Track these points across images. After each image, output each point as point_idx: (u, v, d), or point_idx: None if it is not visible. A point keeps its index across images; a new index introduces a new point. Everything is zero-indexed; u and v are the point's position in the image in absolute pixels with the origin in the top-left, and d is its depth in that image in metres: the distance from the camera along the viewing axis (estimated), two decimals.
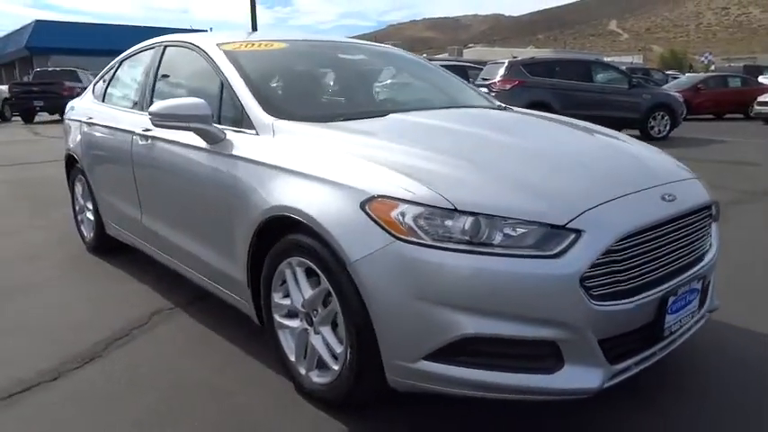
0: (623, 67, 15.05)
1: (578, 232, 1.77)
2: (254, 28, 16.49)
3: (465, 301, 1.74)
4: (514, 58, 12.28)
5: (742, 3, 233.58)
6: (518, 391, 1.80)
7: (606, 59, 28.75)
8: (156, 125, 2.64)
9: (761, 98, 16.98)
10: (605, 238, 1.79)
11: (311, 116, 2.52)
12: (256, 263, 2.36)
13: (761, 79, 22.54)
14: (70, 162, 4.35)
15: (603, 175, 2.09)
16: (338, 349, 2.05)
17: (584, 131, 2.79)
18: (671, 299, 1.98)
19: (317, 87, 3.10)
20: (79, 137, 4.06)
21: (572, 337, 1.77)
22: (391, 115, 2.63)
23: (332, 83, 3.19)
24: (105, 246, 4.17)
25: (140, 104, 3.36)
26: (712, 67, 48.33)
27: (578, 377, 1.79)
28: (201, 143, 2.62)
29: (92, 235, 4.25)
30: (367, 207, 1.88)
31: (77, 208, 4.45)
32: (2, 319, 3.15)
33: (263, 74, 2.80)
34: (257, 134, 2.43)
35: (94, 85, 4.32)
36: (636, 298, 1.86)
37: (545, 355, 1.79)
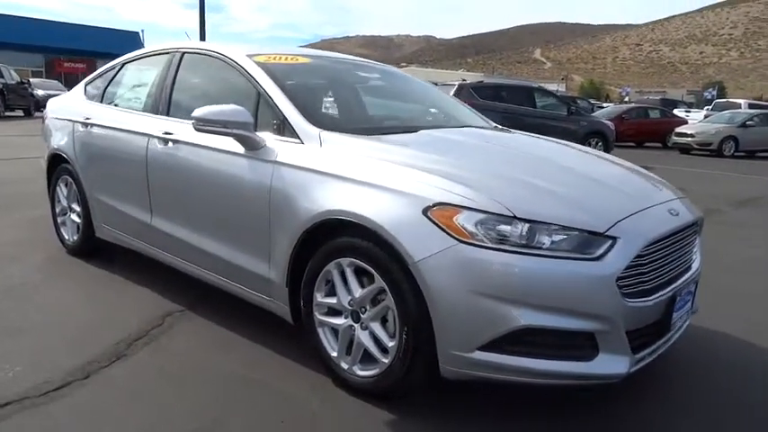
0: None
1: (614, 239, 2.06)
2: (203, 35, 16.29)
3: (519, 297, 1.98)
4: (464, 81, 12.82)
5: (653, 40, 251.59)
6: (560, 376, 2.05)
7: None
8: (199, 129, 2.73)
9: (678, 129, 18.50)
10: (637, 244, 2.09)
11: (352, 128, 2.70)
12: (296, 264, 2.51)
13: (676, 112, 24.49)
14: (54, 162, 4.27)
15: (626, 190, 2.41)
16: (390, 343, 2.23)
17: (586, 152, 3.13)
18: (678, 298, 2.30)
19: (349, 102, 3.27)
20: (71, 136, 4.01)
21: (607, 329, 2.04)
22: (422, 131, 2.86)
23: (361, 99, 3.37)
24: (89, 249, 4.12)
25: (155, 108, 3.39)
26: (626, 98, 52.03)
27: (610, 364, 2.07)
28: (237, 149, 2.73)
29: (75, 237, 4.19)
30: (429, 213, 2.09)
31: (59, 209, 4.36)
32: (5, 320, 3.09)
33: (298, 86, 2.94)
34: (302, 143, 2.58)
35: (86, 85, 4.28)
36: (654, 296, 2.17)
37: (584, 345, 2.05)
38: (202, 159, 2.93)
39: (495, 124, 3.72)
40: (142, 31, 49.01)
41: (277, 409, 2.30)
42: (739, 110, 20.72)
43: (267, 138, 2.68)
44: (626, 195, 2.38)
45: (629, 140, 19.99)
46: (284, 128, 2.67)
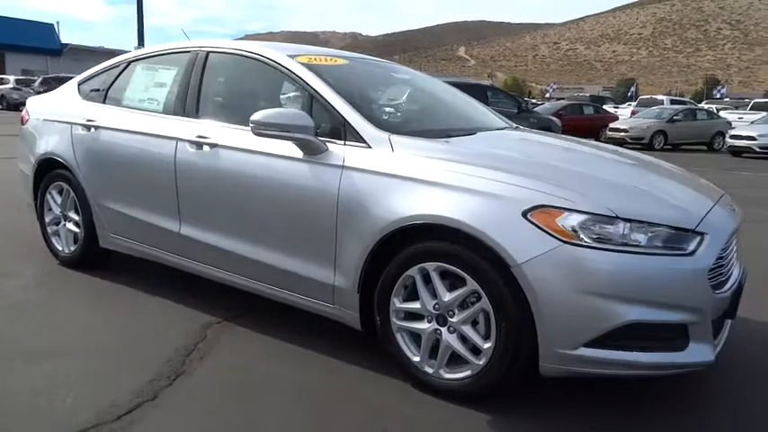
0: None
1: (703, 234, 2.16)
2: (141, 31, 15.56)
3: (623, 293, 2.04)
4: None
5: (570, 39, 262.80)
6: (657, 367, 2.14)
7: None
8: (258, 133, 2.62)
9: (612, 125, 19.47)
10: (721, 238, 2.20)
11: (416, 131, 2.68)
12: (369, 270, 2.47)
13: (606, 107, 25.75)
14: (46, 167, 3.97)
15: (692, 187, 2.53)
16: (485, 345, 2.24)
17: (617, 151, 3.25)
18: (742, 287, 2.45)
19: (400, 104, 3.22)
20: (68, 140, 3.75)
21: (697, 320, 2.14)
22: (479, 133, 2.87)
23: (408, 100, 3.33)
24: (88, 260, 3.87)
25: (180, 110, 3.22)
26: (547, 95, 54.24)
27: (699, 353, 2.17)
28: (295, 153, 2.65)
29: (72, 248, 3.92)
30: (529, 215, 2.11)
31: (49, 219, 4.06)
32: (25, 344, 2.85)
33: (351, 88, 2.87)
34: (369, 147, 2.53)
35: (80, 84, 4.00)
36: (729, 287, 2.30)
37: (677, 336, 2.14)
38: (252, 164, 2.81)
39: (516, 125, 3.79)
40: (57, 23, 46.19)
41: (372, 417, 2.25)
42: (663, 106, 22.03)
43: (327, 142, 2.62)
44: (695, 192, 2.50)
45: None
46: (346, 132, 2.61)
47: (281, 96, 3.06)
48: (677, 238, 2.12)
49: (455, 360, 2.35)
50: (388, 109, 3.03)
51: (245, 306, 3.29)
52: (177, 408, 2.30)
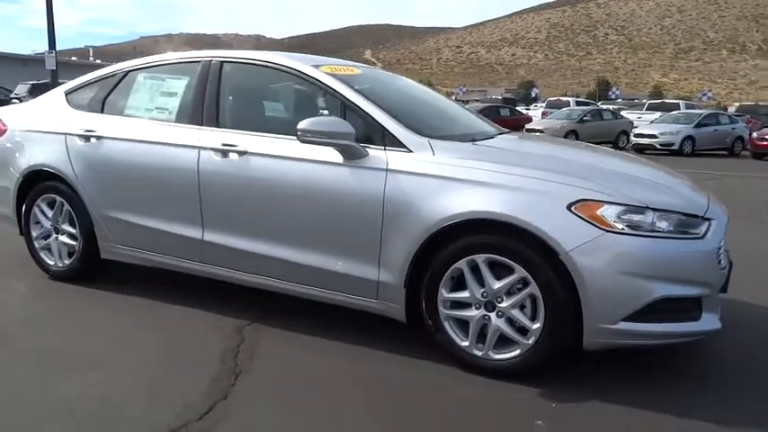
0: None
1: (710, 220, 2.56)
2: (52, 42, 14.68)
3: (655, 273, 2.39)
4: None
5: (472, 43, 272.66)
6: (680, 336, 2.51)
7: None
8: (304, 140, 2.76)
9: (528, 126, 20.59)
10: (723, 222, 2.62)
11: (447, 136, 2.92)
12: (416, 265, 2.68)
13: (519, 109, 27.14)
14: (33, 180, 3.84)
15: (689, 183, 2.94)
16: (534, 325, 2.52)
17: (598, 149, 3.65)
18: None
19: (420, 110, 3.40)
20: (63, 151, 3.65)
21: (709, 293, 2.53)
22: (497, 137, 3.15)
23: (430, 108, 3.53)
24: (84, 273, 3.80)
25: (196, 119, 3.26)
26: (453, 97, 56.35)
27: (710, 321, 2.56)
28: (334, 158, 2.81)
29: (67, 261, 3.82)
30: (573, 208, 2.42)
31: (37, 233, 3.91)
32: (63, 357, 2.82)
33: (379, 96, 3.04)
34: (410, 151, 2.74)
35: (67, 94, 3.90)
36: (725, 264, 2.72)
37: (694, 308, 2.52)
38: (290, 170, 2.93)
39: (503, 129, 4.11)
40: None
41: (441, 401, 2.47)
42: (572, 107, 23.59)
43: (367, 147, 2.80)
44: (693, 186, 2.91)
45: None
46: (384, 137, 2.80)
47: (313, 106, 3.20)
48: (692, 224, 2.50)
49: (502, 341, 2.62)
50: (418, 115, 3.23)
51: (267, 307, 3.39)
52: (252, 404, 2.40)
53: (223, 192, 3.14)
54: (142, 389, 2.52)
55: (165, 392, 2.48)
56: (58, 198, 3.77)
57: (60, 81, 15.71)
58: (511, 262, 2.51)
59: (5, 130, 4.04)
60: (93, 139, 3.58)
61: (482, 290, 2.60)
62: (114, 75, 3.76)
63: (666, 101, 29.98)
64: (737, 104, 34.10)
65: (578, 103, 25.78)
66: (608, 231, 2.39)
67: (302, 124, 2.74)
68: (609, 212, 2.41)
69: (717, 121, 18.52)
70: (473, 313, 2.65)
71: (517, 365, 2.58)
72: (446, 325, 2.71)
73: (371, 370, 2.72)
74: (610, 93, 55.07)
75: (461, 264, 2.61)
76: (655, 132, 17.35)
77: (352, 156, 2.79)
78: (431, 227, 2.60)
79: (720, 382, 2.70)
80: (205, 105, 3.28)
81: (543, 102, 32.33)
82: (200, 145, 3.18)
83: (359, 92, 2.96)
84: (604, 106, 25.73)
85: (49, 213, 3.84)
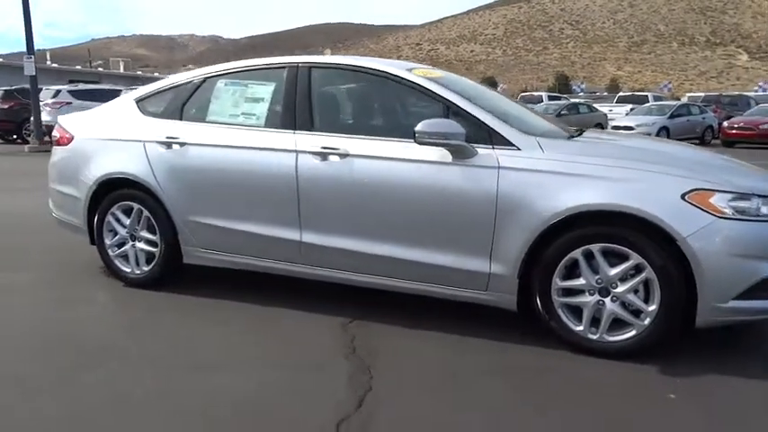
0: None
1: None
2: (29, 37, 14.27)
3: (762, 253, 2.62)
4: None
5: (431, 40, 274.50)
6: None
7: None
8: (421, 142, 2.90)
9: None
10: None
11: (546, 134, 3.11)
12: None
13: None
14: (108, 188, 3.85)
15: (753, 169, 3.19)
16: (649, 308, 2.71)
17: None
18: None
19: (511, 110, 3.55)
20: (143, 158, 3.69)
21: None
22: (584, 134, 3.35)
23: (510, 107, 3.67)
24: (164, 278, 3.84)
25: (291, 124, 3.36)
26: None
27: None
28: (441, 158, 2.96)
29: (146, 268, 3.86)
30: (687, 197, 2.63)
31: (112, 241, 3.92)
32: (190, 358, 2.90)
33: (472, 97, 3.19)
34: (519, 149, 2.91)
35: (138, 101, 3.92)
36: None
37: None
38: (399, 170, 3.07)
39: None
40: None
41: (572, 383, 2.65)
42: (546, 102, 24.16)
43: (475, 147, 2.95)
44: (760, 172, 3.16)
45: None
46: (491, 137, 2.96)
47: (410, 109, 3.34)
48: None
49: (615, 324, 2.81)
50: (510, 116, 3.37)
51: (361, 305, 3.50)
52: (397, 395, 2.53)
53: (323, 193, 3.25)
54: (279, 389, 2.59)
55: (307, 391, 2.57)
56: (136, 205, 3.80)
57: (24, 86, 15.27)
58: (627, 249, 2.71)
59: (72, 138, 4.05)
60: (175, 146, 3.63)
61: (596, 277, 2.79)
62: (190, 82, 3.82)
63: (636, 93, 30.98)
64: (688, 95, 35.46)
65: (550, 98, 26.39)
66: (720, 218, 2.60)
67: (420, 127, 2.88)
68: (720, 200, 2.63)
69: (689, 112, 19.31)
70: (587, 299, 2.83)
71: (633, 346, 2.78)
72: (560, 312, 2.88)
73: (495, 361, 2.85)
74: (575, 87, 56.36)
75: (576, 253, 2.79)
76: (631, 124, 17.94)
77: (462, 155, 2.94)
78: (547, 219, 2.77)
79: None
80: (297, 110, 3.38)
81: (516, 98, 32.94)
82: (298, 149, 3.28)
83: (460, 94, 3.12)
84: (575, 100, 26.41)
85: (125, 221, 3.86)
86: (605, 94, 50.91)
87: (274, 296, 3.68)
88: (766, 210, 2.68)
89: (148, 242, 3.83)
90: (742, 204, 2.65)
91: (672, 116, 18.47)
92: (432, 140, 2.90)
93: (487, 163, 2.92)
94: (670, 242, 2.63)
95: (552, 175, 2.82)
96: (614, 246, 2.73)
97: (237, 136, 3.50)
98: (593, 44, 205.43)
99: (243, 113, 3.58)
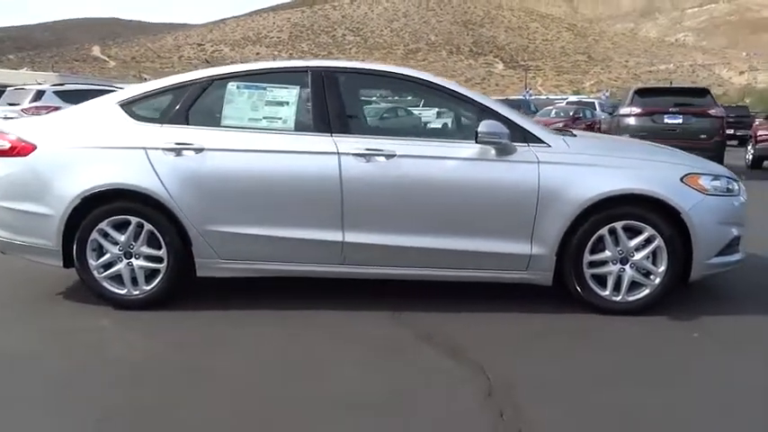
0: None
1: (737, 181, 3.74)
2: None
3: (732, 219, 3.49)
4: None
5: (214, 41, 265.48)
6: (733, 264, 3.62)
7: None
8: (481, 142, 3.23)
9: None
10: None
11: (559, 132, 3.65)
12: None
13: None
14: (96, 202, 3.44)
15: None
16: (660, 269, 3.40)
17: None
18: None
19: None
20: (147, 167, 3.39)
21: (743, 234, 3.68)
22: (577, 134, 3.96)
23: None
24: (169, 296, 3.57)
25: (327, 127, 3.42)
26: None
27: (742, 254, 3.72)
28: (485, 156, 3.34)
29: (147, 287, 3.53)
30: (684, 179, 3.38)
31: (99, 262, 3.49)
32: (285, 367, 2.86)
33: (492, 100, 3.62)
34: (550, 146, 3.40)
35: (124, 106, 3.55)
36: None
37: (737, 243, 3.65)
38: (443, 168, 3.38)
39: None
40: None
41: (613, 339, 3.24)
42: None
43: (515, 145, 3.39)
44: None
45: None
46: (525, 136, 3.41)
47: (441, 111, 3.61)
48: (732, 186, 3.63)
49: (632, 286, 3.46)
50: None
51: (398, 295, 3.70)
52: (496, 357, 2.86)
53: (369, 194, 3.38)
54: (411, 390, 2.65)
55: (448, 386, 2.69)
56: (134, 219, 3.46)
57: None
58: (642, 224, 3.37)
59: (34, 148, 3.50)
60: (188, 153, 3.42)
61: (618, 248, 3.41)
62: (192, 84, 3.60)
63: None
64: None
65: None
66: (707, 194, 3.40)
67: (481, 128, 3.25)
68: (704, 181, 3.43)
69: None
70: (612, 269, 3.44)
71: (647, 302, 3.45)
72: (590, 282, 3.45)
73: (539, 331, 3.30)
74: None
75: (603, 231, 3.38)
76: None
77: (506, 152, 3.34)
78: (582, 204, 3.32)
79: None
80: (330, 114, 3.45)
81: None
82: (341, 151, 3.36)
83: (484, 97, 3.51)
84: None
85: (119, 237, 3.48)
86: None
87: (307, 300, 3.67)
88: (731, 186, 3.56)
89: (150, 258, 3.51)
90: (717, 183, 3.49)
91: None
92: (489, 140, 3.25)
93: (528, 158, 3.36)
94: (675, 216, 3.34)
95: (580, 166, 3.37)
96: (633, 222, 3.38)
97: (264, 140, 3.44)
98: (373, 50, 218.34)
99: (265, 117, 3.51)
